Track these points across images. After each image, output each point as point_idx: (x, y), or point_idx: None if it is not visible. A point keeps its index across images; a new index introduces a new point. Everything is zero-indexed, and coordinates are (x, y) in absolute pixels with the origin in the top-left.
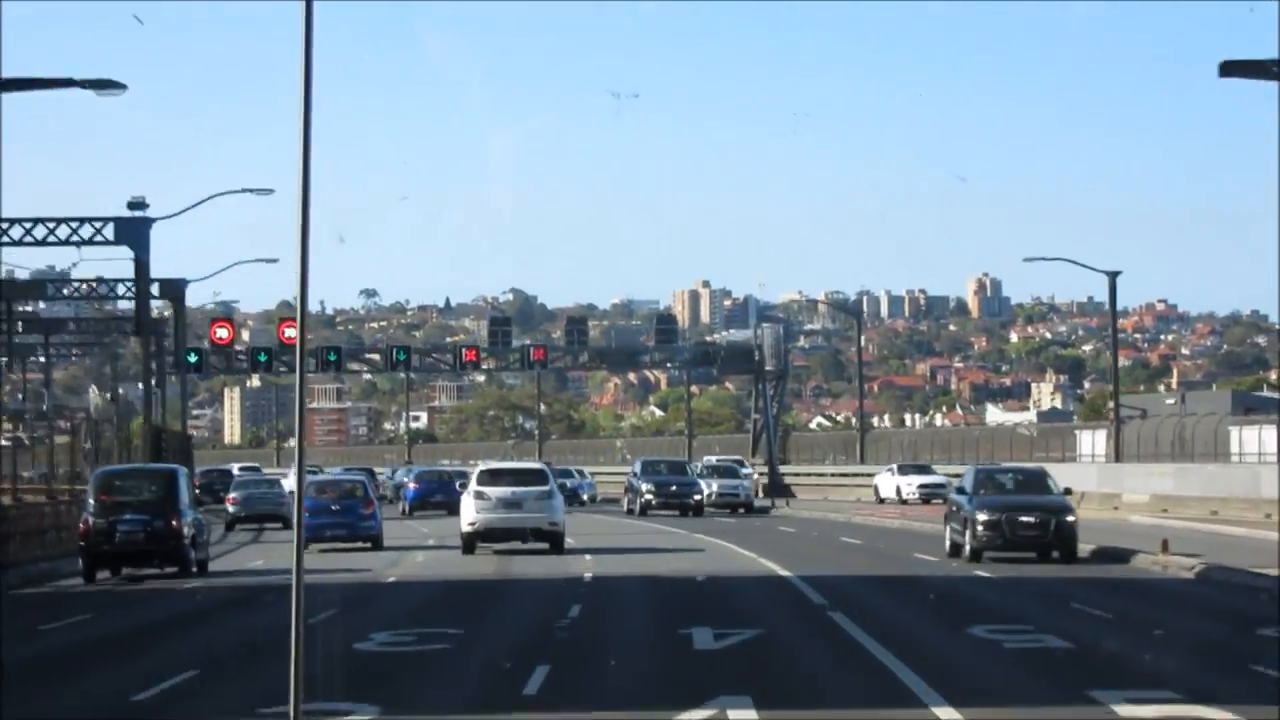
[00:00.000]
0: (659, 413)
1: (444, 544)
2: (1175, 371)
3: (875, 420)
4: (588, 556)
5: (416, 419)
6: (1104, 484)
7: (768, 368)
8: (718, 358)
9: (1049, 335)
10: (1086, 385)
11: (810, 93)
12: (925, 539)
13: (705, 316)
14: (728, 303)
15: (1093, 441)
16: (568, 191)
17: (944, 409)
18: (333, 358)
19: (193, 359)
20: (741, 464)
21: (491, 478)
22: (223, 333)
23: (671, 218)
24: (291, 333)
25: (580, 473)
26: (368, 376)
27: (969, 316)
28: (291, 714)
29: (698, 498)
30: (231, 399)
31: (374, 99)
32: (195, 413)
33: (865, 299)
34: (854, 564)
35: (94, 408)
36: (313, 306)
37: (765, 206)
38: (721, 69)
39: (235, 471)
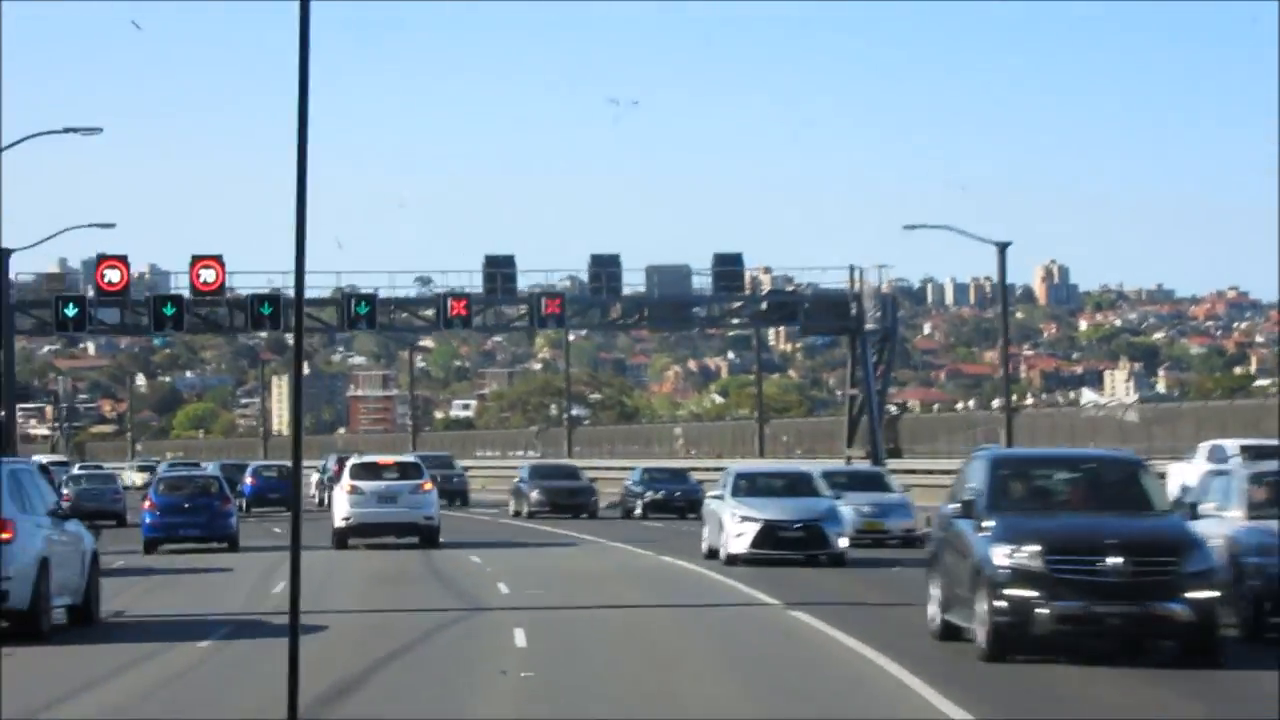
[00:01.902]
0: (719, 400)
1: (311, 544)
2: (1254, 359)
3: (956, 406)
4: None
5: (466, 407)
6: None
7: (868, 326)
8: (799, 310)
9: (1119, 323)
10: (1160, 373)
11: (862, 70)
12: None
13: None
14: (790, 287)
15: None
16: (611, 178)
17: (1014, 396)
18: (267, 310)
19: (71, 312)
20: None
21: (365, 471)
22: (113, 275)
23: (726, 206)
24: (208, 276)
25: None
26: (421, 364)
27: (1036, 304)
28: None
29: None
30: (280, 387)
31: (373, 82)
32: (243, 401)
33: (930, 286)
34: None
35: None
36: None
37: (824, 193)
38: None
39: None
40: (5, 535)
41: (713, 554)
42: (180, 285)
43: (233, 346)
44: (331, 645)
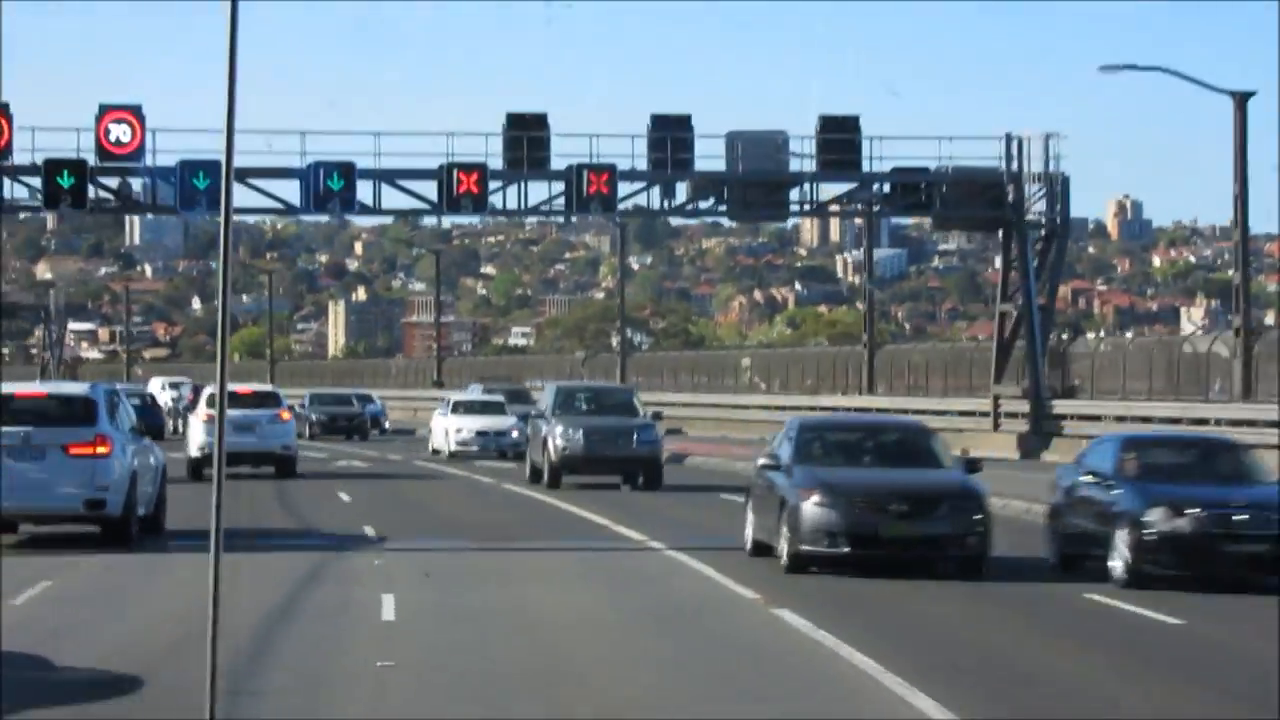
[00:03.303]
0: (788, 332)
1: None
2: None
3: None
4: None
5: (525, 335)
6: None
7: (1030, 216)
8: (935, 194)
9: (1193, 259)
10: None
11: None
12: None
13: (835, 235)
14: (858, 221)
15: None
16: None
17: (1089, 332)
18: (202, 183)
19: None
20: None
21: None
22: None
23: (832, 61)
24: (121, 134)
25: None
26: (482, 291)
27: (1109, 239)
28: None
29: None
30: (336, 311)
31: None
32: (300, 326)
33: None
34: None
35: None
36: (427, 218)
37: (896, 118)
38: None
39: None
40: (104, 449)
41: None
42: (85, 148)
43: (291, 271)
44: None
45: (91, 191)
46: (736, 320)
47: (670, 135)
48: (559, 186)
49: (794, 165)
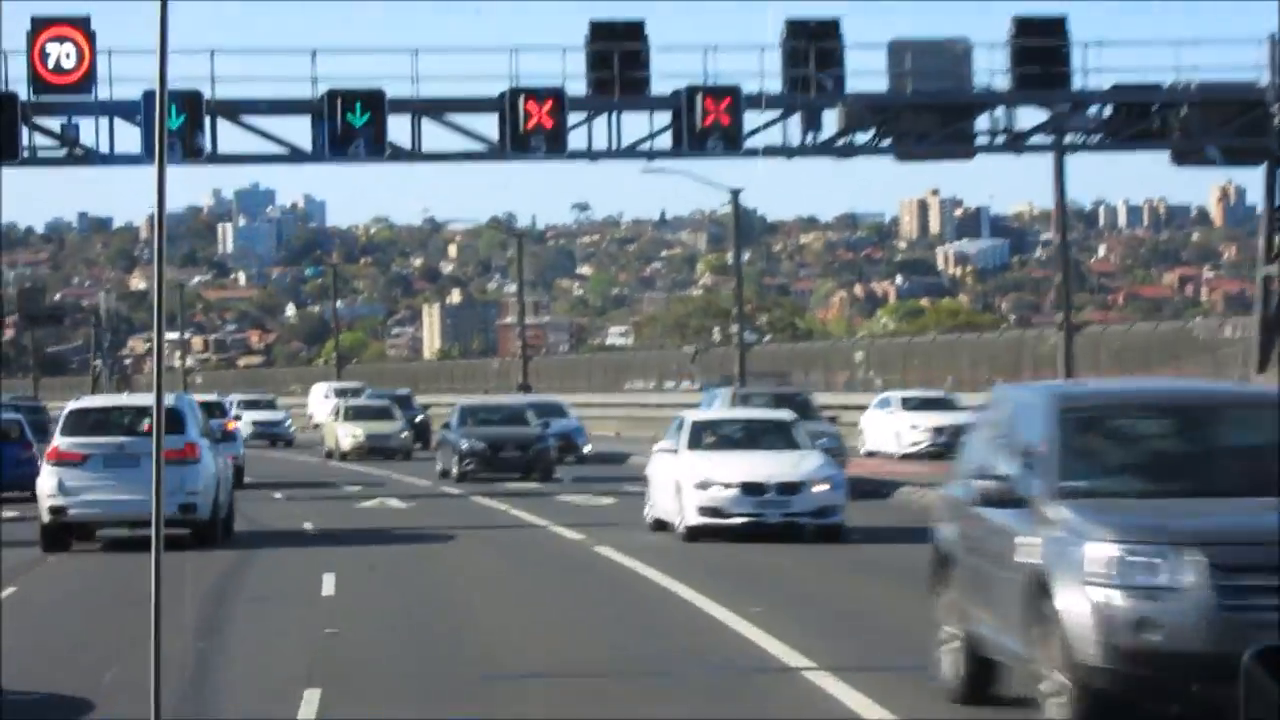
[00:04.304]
0: (890, 327)
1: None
2: None
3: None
4: None
5: (624, 334)
6: None
7: None
8: (1172, 119)
9: None
10: None
11: None
12: None
13: (935, 227)
14: (958, 212)
15: None
16: None
17: (1197, 319)
18: (174, 122)
19: None
20: None
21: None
22: None
23: None
24: (64, 58)
25: None
26: (578, 292)
27: (1212, 225)
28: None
29: None
30: (430, 315)
31: None
32: (395, 331)
33: (1102, 209)
34: None
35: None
36: (522, 220)
37: (1113, 20)
38: None
39: None
40: (194, 457)
41: None
42: (15, 77)
43: (385, 276)
44: None
45: (26, 136)
46: (838, 315)
47: (813, 46)
48: (663, 119)
49: (980, 83)
